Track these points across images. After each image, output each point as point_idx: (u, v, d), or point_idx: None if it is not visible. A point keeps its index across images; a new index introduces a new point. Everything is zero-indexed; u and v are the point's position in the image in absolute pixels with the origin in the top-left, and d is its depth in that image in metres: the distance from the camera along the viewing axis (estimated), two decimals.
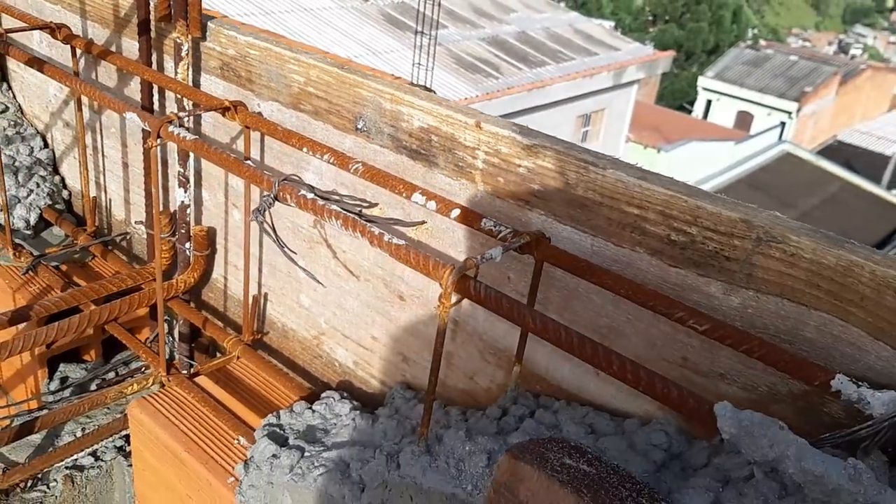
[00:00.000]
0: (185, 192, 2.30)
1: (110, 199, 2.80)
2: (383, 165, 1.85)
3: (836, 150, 26.81)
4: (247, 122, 1.99)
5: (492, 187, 1.67)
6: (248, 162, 1.97)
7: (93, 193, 2.78)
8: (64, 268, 2.71)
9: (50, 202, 2.86)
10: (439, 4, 16.85)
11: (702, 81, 30.58)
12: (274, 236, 1.64)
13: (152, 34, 2.29)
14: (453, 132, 1.70)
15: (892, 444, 1.11)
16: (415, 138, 1.78)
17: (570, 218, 1.56)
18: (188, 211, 2.34)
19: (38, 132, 3.00)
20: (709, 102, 30.62)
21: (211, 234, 2.41)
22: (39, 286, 2.59)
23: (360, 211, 1.87)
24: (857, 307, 1.24)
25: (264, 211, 1.61)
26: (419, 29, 15.61)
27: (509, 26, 26.69)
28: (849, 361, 1.27)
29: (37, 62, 2.26)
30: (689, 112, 31.47)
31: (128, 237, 2.78)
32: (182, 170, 2.26)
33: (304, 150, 1.87)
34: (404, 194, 1.68)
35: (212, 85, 2.24)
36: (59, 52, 2.72)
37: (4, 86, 3.03)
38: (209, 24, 2.17)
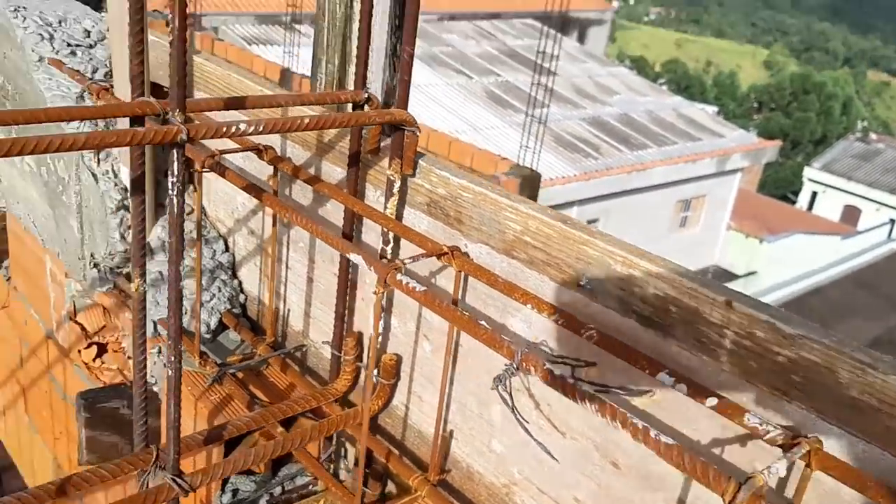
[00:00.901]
0: (379, 319, 2.30)
1: (289, 310, 2.84)
2: (606, 327, 1.80)
3: None
4: (463, 269, 1.98)
5: (741, 370, 1.59)
6: (456, 306, 1.95)
7: (274, 304, 2.83)
8: (240, 375, 2.75)
9: (229, 306, 2.92)
10: (551, 90, 17.07)
11: (808, 172, 29.84)
12: (511, 405, 1.60)
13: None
14: (697, 306, 1.64)
15: None
16: (649, 305, 1.73)
17: (839, 419, 1.45)
18: (378, 338, 2.34)
19: (220, 235, 3.10)
20: (814, 194, 29.79)
21: (398, 363, 2.40)
22: (220, 395, 2.62)
23: (574, 370, 1.81)
24: None
25: (505, 380, 1.58)
26: (529, 113, 15.84)
27: (612, 108, 26.78)
28: None
29: (254, 189, 2.33)
30: (794, 203, 30.66)
31: (303, 350, 2.80)
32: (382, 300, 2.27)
33: (529, 306, 1.84)
34: (647, 370, 1.62)
35: (416, 219, 2.25)
36: (252, 166, 2.81)
37: (191, 188, 3.15)
38: (420, 161, 2.20)
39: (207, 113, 2.38)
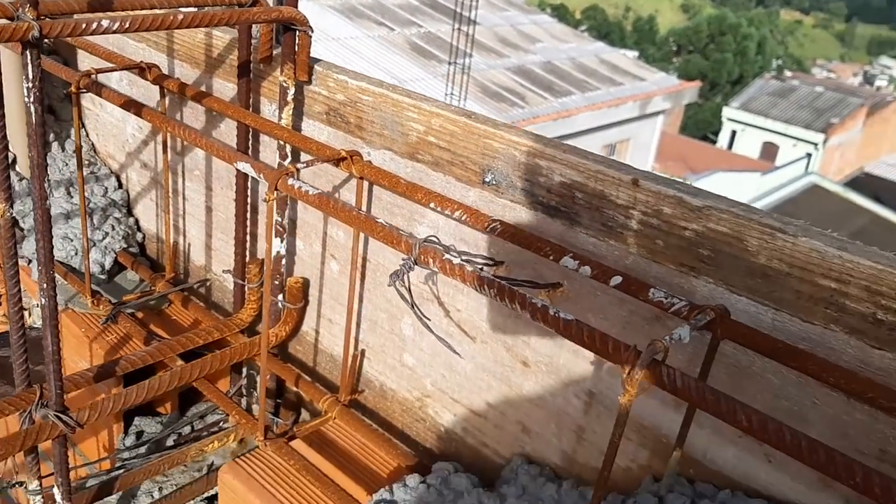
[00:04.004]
0: (282, 241, 2.17)
1: (190, 244, 2.68)
2: (514, 221, 1.72)
3: (864, 183, 26.52)
4: (363, 174, 1.86)
5: (648, 250, 1.52)
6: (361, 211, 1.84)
7: (172, 238, 2.66)
8: (140, 315, 2.59)
9: (125, 245, 2.74)
10: (471, 37, 16.87)
11: (727, 112, 30.45)
12: (410, 301, 1.51)
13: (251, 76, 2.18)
14: (603, 189, 1.56)
15: None
16: (555, 194, 1.65)
17: (748, 289, 1.40)
18: (282, 261, 2.21)
19: (112, 172, 2.90)
20: (733, 133, 30.46)
21: (305, 286, 2.28)
22: (117, 335, 2.46)
23: (482, 268, 1.73)
24: None
25: (403, 275, 1.47)
26: (451, 60, 15.61)
27: (535, 56, 26.74)
28: None
29: (134, 105, 2.15)
30: (714, 142, 31.33)
31: (207, 284, 2.65)
32: (280, 218, 2.14)
33: (432, 205, 1.74)
34: (552, 257, 1.54)
35: (315, 131, 2.11)
36: (140, 92, 2.61)
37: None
38: (316, 67, 2.06)
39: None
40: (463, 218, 1.67)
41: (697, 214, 1.44)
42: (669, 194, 1.47)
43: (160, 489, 2.42)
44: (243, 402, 2.59)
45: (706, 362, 1.41)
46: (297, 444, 2.10)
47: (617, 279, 1.45)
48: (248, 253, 2.38)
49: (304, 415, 2.43)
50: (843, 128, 28.61)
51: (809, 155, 27.85)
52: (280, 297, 2.25)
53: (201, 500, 2.36)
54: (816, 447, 1.06)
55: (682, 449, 1.52)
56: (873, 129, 29.56)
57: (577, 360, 1.71)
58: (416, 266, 1.48)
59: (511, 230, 1.60)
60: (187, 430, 2.58)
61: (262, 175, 1.75)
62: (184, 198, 2.65)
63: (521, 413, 1.88)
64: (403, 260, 1.49)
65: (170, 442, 2.51)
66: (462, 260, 1.47)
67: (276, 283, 2.24)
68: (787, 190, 25.16)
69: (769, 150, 29.10)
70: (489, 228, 1.62)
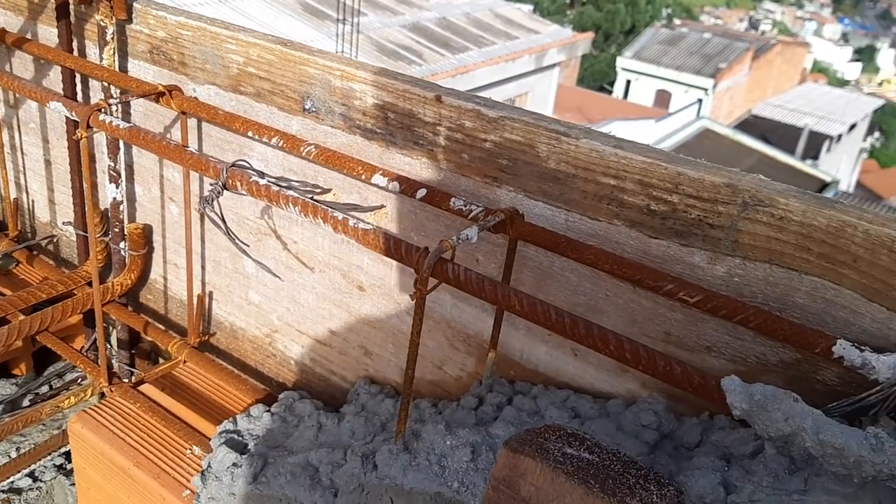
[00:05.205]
0: (117, 187, 2.13)
1: (33, 201, 2.60)
2: (336, 147, 1.74)
3: (752, 124, 27.66)
4: (183, 108, 1.84)
5: (455, 164, 1.58)
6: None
7: (13, 195, 2.57)
8: None
9: None
10: None
11: (620, 62, 31.07)
12: (224, 228, 1.52)
13: (72, 18, 2.11)
14: (412, 108, 1.60)
15: None
16: (369, 116, 1.68)
17: (543, 193, 1.48)
18: (121, 208, 2.18)
19: None
20: (628, 82, 31.15)
21: (147, 232, 2.25)
22: None
23: (313, 198, 1.75)
24: (850, 269, 1.20)
25: (212, 200, 1.48)
26: (340, 17, 15.33)
27: (430, 12, 26.56)
28: (842, 326, 1.23)
29: None
30: (610, 93, 31.98)
31: (54, 240, 2.59)
32: (112, 164, 2.10)
33: (250, 134, 1.75)
34: (363, 176, 1.58)
35: (141, 71, 2.07)
36: None
37: None
38: (135, 4, 2.01)
39: None
40: (280, 144, 1.69)
41: (494, 125, 1.50)
42: (469, 108, 1.53)
43: (17, 449, 2.37)
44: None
45: (507, 263, 1.48)
46: (149, 389, 2.10)
47: (422, 192, 1.50)
48: (86, 202, 2.32)
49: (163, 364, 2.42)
50: (731, 72, 29.65)
51: (700, 100, 28.78)
52: (122, 244, 2.22)
53: (59, 455, 2.34)
54: (577, 321, 1.15)
55: (496, 350, 1.60)
56: (759, 72, 30.75)
57: (404, 278, 1.77)
58: (225, 190, 1.49)
59: (324, 153, 1.62)
60: (45, 390, 2.53)
61: (73, 112, 1.71)
62: (22, 153, 2.56)
63: (362, 337, 1.93)
64: (212, 184, 1.49)
65: (26, 403, 2.46)
66: (277, 184, 1.49)
67: (117, 230, 2.20)
68: (681, 135, 25.94)
69: (662, 98, 29.91)
70: (305, 153, 1.64)
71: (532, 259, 1.54)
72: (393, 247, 1.27)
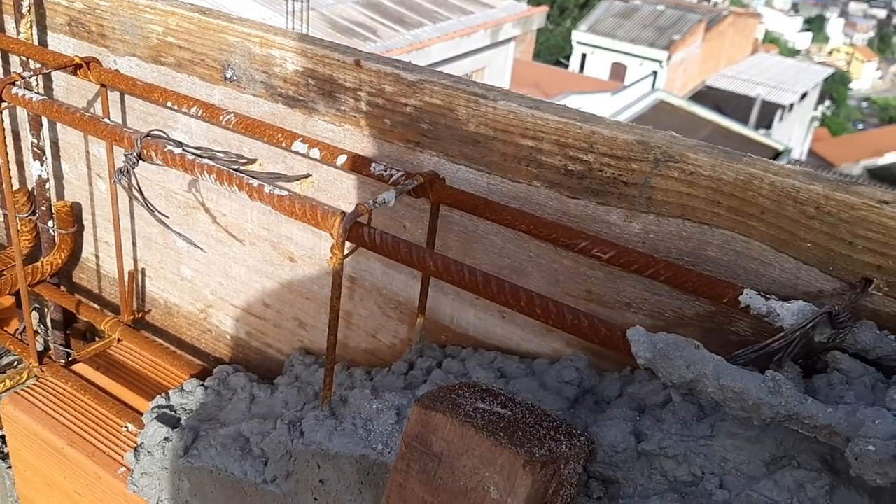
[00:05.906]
0: (42, 164, 2.09)
1: None
2: (259, 116, 1.72)
3: (706, 95, 27.95)
4: (102, 80, 1.80)
5: (378, 130, 1.57)
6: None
7: None
8: None
9: None
10: None
11: (576, 35, 31.14)
12: (141, 199, 1.49)
13: None
14: (332, 73, 1.59)
15: (804, 355, 1.10)
16: (290, 84, 1.66)
17: (464, 156, 1.48)
18: (47, 186, 2.13)
19: None
20: (584, 56, 31.24)
21: (76, 210, 2.20)
22: None
23: (238, 168, 1.73)
24: (758, 221, 1.22)
25: (128, 172, 1.45)
26: None
27: None
28: (753, 277, 1.25)
29: None
30: (566, 67, 32.04)
31: None
32: (36, 140, 2.05)
33: (169, 104, 1.71)
34: (284, 144, 1.56)
35: (61, 44, 2.02)
36: None
37: None
38: None
39: None
40: (200, 113, 1.66)
41: (414, 89, 1.49)
42: (388, 72, 1.51)
43: None
44: (39, 340, 2.51)
45: (431, 228, 1.48)
46: (84, 369, 2.07)
47: (342, 158, 1.49)
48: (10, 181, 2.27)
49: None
50: (685, 44, 29.89)
51: (655, 73, 28.98)
52: (50, 223, 2.17)
53: None
54: (490, 279, 1.15)
55: (424, 316, 1.60)
56: (712, 43, 31.04)
57: None
58: (140, 160, 1.47)
59: (244, 121, 1.60)
60: None
61: None
62: None
63: (296, 308, 1.92)
64: (126, 155, 1.46)
65: None
66: (194, 153, 1.46)
67: (45, 209, 2.15)
68: (637, 108, 26.11)
69: (618, 71, 30.07)
70: (224, 121, 1.62)
71: (457, 224, 1.54)
72: (309, 212, 1.26)
